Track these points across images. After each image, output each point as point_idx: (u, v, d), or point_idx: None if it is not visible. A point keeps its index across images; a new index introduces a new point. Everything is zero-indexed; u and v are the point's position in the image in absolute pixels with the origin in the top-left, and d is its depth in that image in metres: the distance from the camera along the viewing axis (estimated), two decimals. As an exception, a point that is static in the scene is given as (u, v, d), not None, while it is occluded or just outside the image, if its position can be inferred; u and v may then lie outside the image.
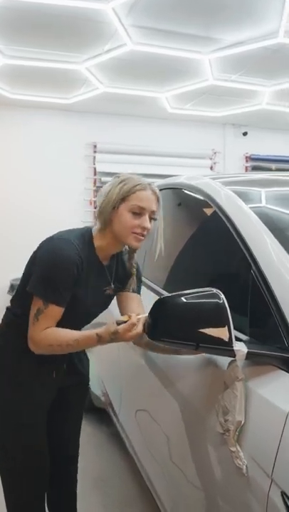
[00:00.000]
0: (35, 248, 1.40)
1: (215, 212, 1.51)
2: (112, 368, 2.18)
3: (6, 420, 1.39)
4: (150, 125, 5.19)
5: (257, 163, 5.65)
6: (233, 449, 0.94)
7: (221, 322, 1.02)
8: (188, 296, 1.08)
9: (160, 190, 2.15)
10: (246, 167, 5.66)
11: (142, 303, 1.48)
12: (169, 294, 1.11)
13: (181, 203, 1.98)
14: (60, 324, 1.30)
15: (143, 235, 1.32)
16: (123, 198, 1.30)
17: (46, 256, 1.29)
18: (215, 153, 5.50)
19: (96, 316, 1.48)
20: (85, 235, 1.35)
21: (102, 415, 2.71)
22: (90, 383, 2.65)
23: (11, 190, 4.78)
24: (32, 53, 3.31)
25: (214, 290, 1.09)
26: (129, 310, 1.40)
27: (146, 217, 1.31)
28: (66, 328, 1.30)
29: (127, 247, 1.42)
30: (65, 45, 3.17)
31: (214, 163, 5.51)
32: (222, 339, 1.00)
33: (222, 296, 1.06)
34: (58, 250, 1.29)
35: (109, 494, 2.14)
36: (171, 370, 1.42)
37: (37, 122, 4.87)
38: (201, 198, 1.69)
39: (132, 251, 1.42)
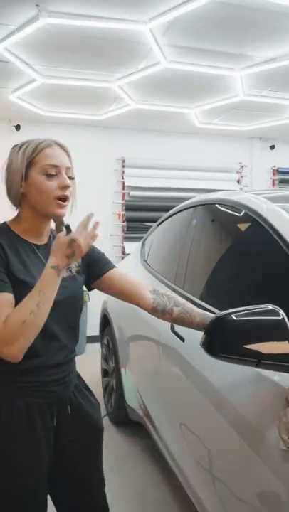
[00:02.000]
0: None
1: (259, 226, 1.52)
2: (151, 380, 2.19)
3: None
4: (178, 140, 5.26)
5: (284, 176, 5.64)
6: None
7: (283, 338, 1.04)
8: (246, 312, 1.10)
9: (196, 206, 2.21)
10: (273, 180, 5.66)
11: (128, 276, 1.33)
12: (227, 311, 1.12)
13: (214, 219, 2.00)
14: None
15: (66, 199, 1.15)
16: (30, 163, 1.12)
17: None
18: (242, 166, 5.52)
19: (71, 305, 1.21)
20: (0, 226, 1.18)
21: (137, 428, 2.72)
22: (126, 396, 2.71)
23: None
24: (67, 73, 3.41)
25: (271, 306, 1.10)
26: (127, 288, 1.27)
27: (63, 175, 1.14)
28: (48, 329, 1.10)
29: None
30: (99, 65, 3.26)
31: (241, 177, 5.53)
32: (285, 355, 1.02)
33: (281, 312, 1.08)
34: None
35: (146, 507, 2.15)
36: (219, 383, 1.42)
37: (68, 138, 4.93)
38: (242, 213, 1.71)
39: (59, 224, 1.18)
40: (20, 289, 1.07)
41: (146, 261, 2.79)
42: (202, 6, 2.34)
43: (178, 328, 1.82)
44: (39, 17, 2.46)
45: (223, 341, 1.08)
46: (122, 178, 5.19)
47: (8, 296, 1.05)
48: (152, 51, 2.96)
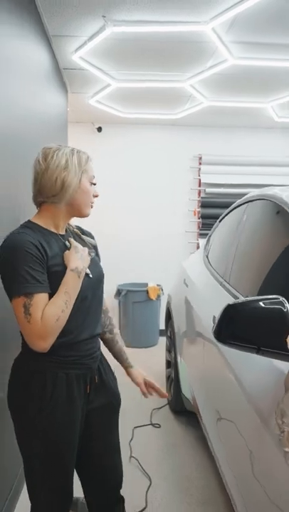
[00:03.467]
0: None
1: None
2: (198, 373, 2.27)
3: (32, 441, 1.31)
4: (255, 135, 5.17)
5: None
6: (287, 449, 0.98)
7: (284, 328, 1.07)
8: (251, 300, 1.15)
9: (248, 202, 2.21)
10: None
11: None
12: (238, 300, 1.18)
13: (262, 216, 2.00)
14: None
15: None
16: (83, 170, 1.33)
17: (1, 260, 1.24)
18: None
19: (99, 282, 1.41)
20: (26, 225, 1.32)
21: (192, 418, 2.80)
22: (182, 386, 2.80)
23: (119, 200, 5.14)
24: (140, 76, 3.57)
25: (281, 298, 1.14)
26: None
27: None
28: (85, 305, 1.31)
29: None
30: (169, 67, 3.37)
31: None
32: (282, 344, 1.05)
33: (287, 304, 1.10)
34: (5, 245, 1.24)
35: (190, 491, 2.23)
36: (246, 377, 1.46)
37: (146, 137, 5.17)
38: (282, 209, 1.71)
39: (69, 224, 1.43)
40: (59, 272, 1.26)
41: (207, 257, 2.85)
42: (261, 1, 2.33)
43: (217, 320, 1.87)
44: (106, 27, 2.64)
45: (229, 328, 1.14)
46: (199, 176, 5.24)
47: (45, 297, 1.21)
48: (218, 49, 2.99)
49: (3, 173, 1.86)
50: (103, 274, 1.45)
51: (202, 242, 5.16)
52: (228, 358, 1.63)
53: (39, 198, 1.33)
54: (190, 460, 2.53)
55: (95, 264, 1.41)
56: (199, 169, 5.23)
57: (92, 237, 1.52)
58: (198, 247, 5.24)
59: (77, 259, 1.28)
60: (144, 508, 2.07)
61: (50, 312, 1.19)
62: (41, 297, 1.20)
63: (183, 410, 2.93)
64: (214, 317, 1.93)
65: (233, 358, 1.57)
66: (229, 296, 1.91)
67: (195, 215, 5.29)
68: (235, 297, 1.84)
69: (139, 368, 1.58)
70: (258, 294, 1.72)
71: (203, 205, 5.26)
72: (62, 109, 3.75)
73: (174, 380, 3.04)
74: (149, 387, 1.55)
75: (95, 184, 1.38)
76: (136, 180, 5.17)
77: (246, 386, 1.40)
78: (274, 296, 1.15)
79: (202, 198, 5.27)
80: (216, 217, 5.14)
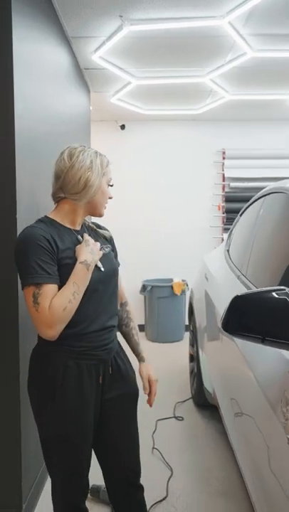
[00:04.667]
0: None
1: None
2: (217, 367, 2.28)
3: (47, 430, 1.38)
4: (279, 128, 5.10)
5: None
6: (290, 436, 1.00)
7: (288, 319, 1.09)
8: (258, 292, 1.17)
9: (265, 196, 2.21)
10: None
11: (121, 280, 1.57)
12: (245, 292, 1.20)
13: (278, 210, 1.99)
14: (84, 301, 1.31)
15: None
16: (104, 172, 1.41)
17: (14, 253, 1.32)
18: None
19: (113, 276, 1.46)
20: (41, 219, 1.39)
21: (214, 411, 2.82)
22: (204, 380, 2.82)
23: (143, 196, 5.19)
24: (159, 73, 3.60)
25: (287, 289, 1.15)
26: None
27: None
28: (98, 296, 1.36)
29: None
30: (188, 62, 3.37)
31: None
32: (287, 334, 1.07)
33: (292, 295, 1.12)
34: (20, 239, 1.32)
35: (210, 482, 2.26)
36: (259, 369, 1.48)
37: (168, 133, 5.19)
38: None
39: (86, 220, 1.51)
40: (69, 264, 1.31)
41: (228, 251, 2.86)
42: (276, -8, 2.32)
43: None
44: (123, 26, 2.68)
45: (236, 319, 1.17)
46: (222, 170, 5.22)
47: (53, 287, 1.27)
48: (236, 43, 2.98)
49: (29, 171, 1.94)
50: (117, 269, 1.49)
51: (226, 236, 5.18)
52: (242, 350, 1.65)
53: (59, 193, 1.40)
54: (211, 452, 2.55)
55: (108, 258, 1.45)
56: (223, 164, 5.21)
57: (110, 234, 1.57)
58: (222, 242, 5.22)
59: (87, 252, 1.33)
60: (165, 498, 2.11)
61: (58, 302, 1.25)
62: (49, 288, 1.26)
63: (206, 404, 2.96)
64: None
65: (247, 350, 1.59)
66: (245, 290, 1.92)
67: (219, 209, 5.27)
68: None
69: (149, 365, 1.59)
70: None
71: (228, 199, 5.24)
72: (85, 109, 3.82)
73: (196, 373, 3.06)
74: (147, 384, 1.57)
75: (111, 186, 1.46)
76: (160, 176, 5.20)
77: (258, 377, 1.42)
78: (280, 288, 1.16)
79: (226, 192, 5.25)
80: (240, 211, 5.17)
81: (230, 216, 5.19)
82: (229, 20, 2.65)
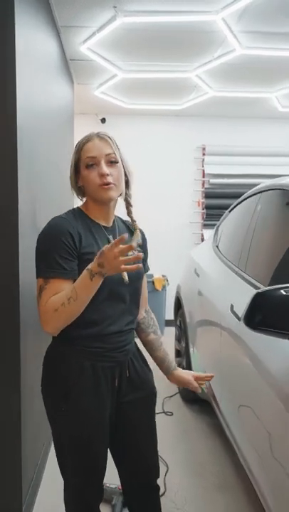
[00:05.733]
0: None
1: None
2: (214, 360, 2.30)
3: (61, 434, 1.34)
4: (259, 125, 5.17)
5: None
6: None
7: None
8: (285, 289, 1.18)
9: (261, 192, 2.24)
10: None
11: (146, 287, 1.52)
12: (267, 288, 1.21)
13: (277, 206, 2.02)
14: (100, 297, 1.25)
15: (108, 183, 1.27)
16: (78, 159, 1.31)
17: (38, 239, 1.28)
18: None
19: (138, 279, 1.38)
20: (74, 210, 1.36)
21: (204, 407, 2.85)
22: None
23: (124, 193, 5.15)
24: (146, 66, 3.57)
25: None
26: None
27: (102, 163, 1.27)
28: (120, 295, 1.30)
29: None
30: (176, 56, 3.36)
31: None
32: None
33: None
34: (46, 228, 1.29)
35: (206, 477, 2.28)
36: (270, 362, 1.50)
37: (150, 128, 5.16)
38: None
39: (127, 205, 1.41)
40: (90, 260, 1.22)
41: (217, 247, 2.88)
42: (273, -10, 2.34)
43: (236, 308, 1.91)
44: (116, 17, 2.64)
45: (259, 315, 1.17)
46: (202, 166, 5.25)
47: (62, 283, 1.22)
48: (227, 39, 2.99)
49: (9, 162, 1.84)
50: (141, 274, 1.41)
51: (206, 232, 5.22)
52: (252, 346, 1.66)
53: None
54: (203, 446, 2.58)
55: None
56: (203, 160, 5.24)
57: (144, 235, 1.51)
58: (202, 238, 5.27)
59: (102, 260, 1.15)
60: (164, 493, 2.11)
61: (52, 301, 1.21)
62: (57, 283, 1.22)
63: (195, 398, 2.98)
64: (232, 305, 1.97)
65: (258, 346, 1.60)
66: (246, 285, 1.94)
67: (199, 205, 5.31)
68: (253, 285, 1.87)
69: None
70: (278, 282, 1.75)
71: (207, 195, 5.28)
72: (69, 101, 3.74)
73: (185, 368, 3.07)
74: (198, 380, 1.53)
75: (91, 165, 1.28)
76: (140, 172, 5.11)
77: (272, 372, 1.43)
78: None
79: (206, 188, 5.28)
80: (219, 207, 5.24)
81: (210, 212, 5.24)
82: (223, 16, 2.65)
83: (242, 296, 1.96)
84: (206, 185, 5.29)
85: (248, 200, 2.51)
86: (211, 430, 2.73)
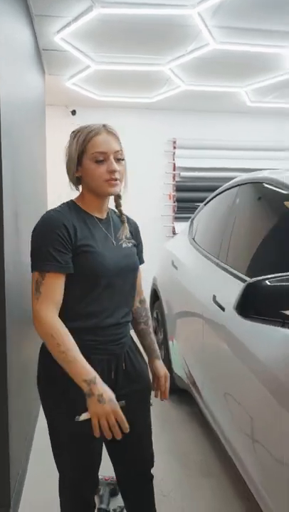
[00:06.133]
0: None
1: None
2: (196, 350, 2.35)
3: (57, 430, 1.35)
4: (228, 119, 5.27)
5: None
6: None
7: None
8: (275, 279, 1.22)
9: (240, 185, 2.30)
10: None
11: (141, 276, 1.51)
12: (258, 278, 1.25)
13: (256, 198, 2.09)
14: (93, 289, 1.27)
15: (116, 179, 1.29)
16: (82, 151, 1.28)
17: (32, 233, 1.29)
18: (295, 145, 5.43)
19: (132, 271, 1.40)
20: (68, 203, 1.35)
21: (183, 396, 2.90)
22: (173, 365, 2.89)
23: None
24: (119, 58, 3.55)
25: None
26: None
27: (111, 160, 1.28)
28: (116, 289, 1.31)
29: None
30: (150, 49, 3.36)
31: (294, 155, 5.44)
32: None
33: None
34: (40, 222, 1.28)
35: (190, 464, 2.33)
36: (256, 349, 1.56)
37: (120, 121, 5.11)
38: (286, 191, 1.80)
39: (116, 198, 1.41)
40: (87, 253, 1.26)
41: (194, 239, 2.92)
42: (249, -13, 2.38)
43: (219, 298, 1.96)
44: (93, 8, 2.61)
45: (254, 305, 1.22)
46: (173, 160, 5.29)
47: (57, 277, 1.23)
48: (201, 33, 3.02)
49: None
50: (135, 264, 1.43)
51: (178, 225, 5.28)
52: (236, 333, 1.71)
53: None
54: (185, 436, 2.63)
55: (128, 253, 1.39)
56: (174, 153, 5.28)
57: (136, 228, 1.52)
58: (173, 231, 5.32)
59: (99, 396, 1.19)
60: (149, 481, 2.15)
61: (56, 327, 1.21)
62: (53, 277, 1.23)
63: (174, 389, 3.02)
64: (214, 296, 2.02)
65: (243, 334, 1.65)
66: (229, 276, 1.99)
67: (170, 198, 5.35)
68: (236, 276, 1.93)
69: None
70: (259, 273, 1.81)
71: (178, 188, 5.33)
72: (40, 92, 3.67)
73: (163, 359, 3.11)
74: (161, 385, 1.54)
75: (102, 160, 1.28)
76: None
77: (261, 359, 1.49)
78: (293, 273, 1.23)
79: (177, 181, 5.33)
80: (191, 200, 5.30)
81: (181, 205, 5.29)
82: (199, 11, 2.68)
83: (224, 286, 2.01)
84: (177, 179, 5.34)
85: (225, 193, 2.56)
86: (191, 419, 2.79)
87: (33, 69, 3.08)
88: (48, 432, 1.39)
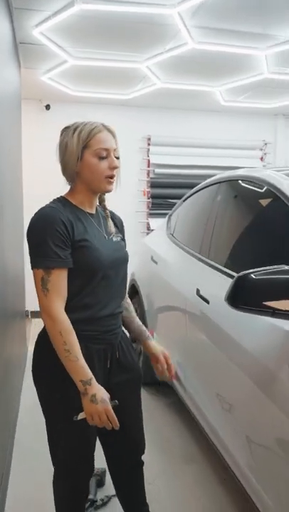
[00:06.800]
0: None
1: (280, 201, 1.70)
2: (179, 342, 2.41)
3: (54, 416, 1.38)
4: (202, 118, 5.36)
5: (308, 153, 5.68)
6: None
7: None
8: (264, 272, 1.29)
9: (220, 182, 2.37)
10: (297, 157, 5.70)
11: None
12: (247, 271, 1.32)
13: (237, 195, 2.17)
14: (90, 281, 1.31)
15: (113, 176, 1.35)
16: (84, 146, 1.31)
17: (28, 230, 1.30)
18: (266, 144, 5.59)
19: (124, 263, 1.45)
20: (60, 199, 1.37)
21: (162, 387, 2.98)
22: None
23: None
24: (97, 54, 3.56)
25: (286, 267, 1.30)
26: None
27: (112, 157, 1.34)
28: (110, 282, 1.35)
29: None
30: (128, 47, 3.39)
31: (265, 154, 5.60)
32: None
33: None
34: (36, 218, 1.30)
35: (173, 452, 2.41)
36: (241, 338, 1.63)
37: (95, 117, 5.06)
38: (264, 189, 1.88)
39: (101, 194, 1.45)
40: (84, 248, 1.30)
41: (172, 234, 2.99)
42: (229, -11, 2.45)
43: (203, 291, 2.03)
44: (75, 3, 2.61)
45: (244, 297, 1.28)
46: (148, 156, 5.34)
47: (62, 273, 1.27)
48: (180, 33, 3.07)
49: None
50: (127, 256, 1.48)
51: (152, 221, 5.34)
52: (222, 325, 1.78)
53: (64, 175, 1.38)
54: (166, 425, 2.70)
55: (119, 246, 1.45)
56: (148, 150, 5.33)
57: (121, 222, 1.57)
58: (148, 227, 5.38)
59: (91, 396, 1.25)
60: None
61: (66, 329, 1.25)
62: (59, 273, 1.26)
63: (152, 381, 3.09)
64: (198, 289, 2.08)
65: (229, 325, 1.72)
66: (211, 270, 2.06)
67: (144, 195, 5.40)
68: (219, 270, 2.00)
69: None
70: (243, 267, 1.89)
71: (153, 185, 5.39)
72: (16, 85, 3.63)
73: (142, 353, 3.17)
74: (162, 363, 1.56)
75: (105, 157, 1.33)
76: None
77: (248, 348, 1.56)
78: (280, 266, 1.31)
79: (151, 178, 5.39)
80: (165, 197, 5.38)
81: (156, 202, 5.36)
82: (179, 11, 2.73)
83: (207, 280, 2.08)
84: (152, 175, 5.39)
85: (205, 190, 2.63)
86: (172, 409, 2.87)
87: (9, 62, 3.05)
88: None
